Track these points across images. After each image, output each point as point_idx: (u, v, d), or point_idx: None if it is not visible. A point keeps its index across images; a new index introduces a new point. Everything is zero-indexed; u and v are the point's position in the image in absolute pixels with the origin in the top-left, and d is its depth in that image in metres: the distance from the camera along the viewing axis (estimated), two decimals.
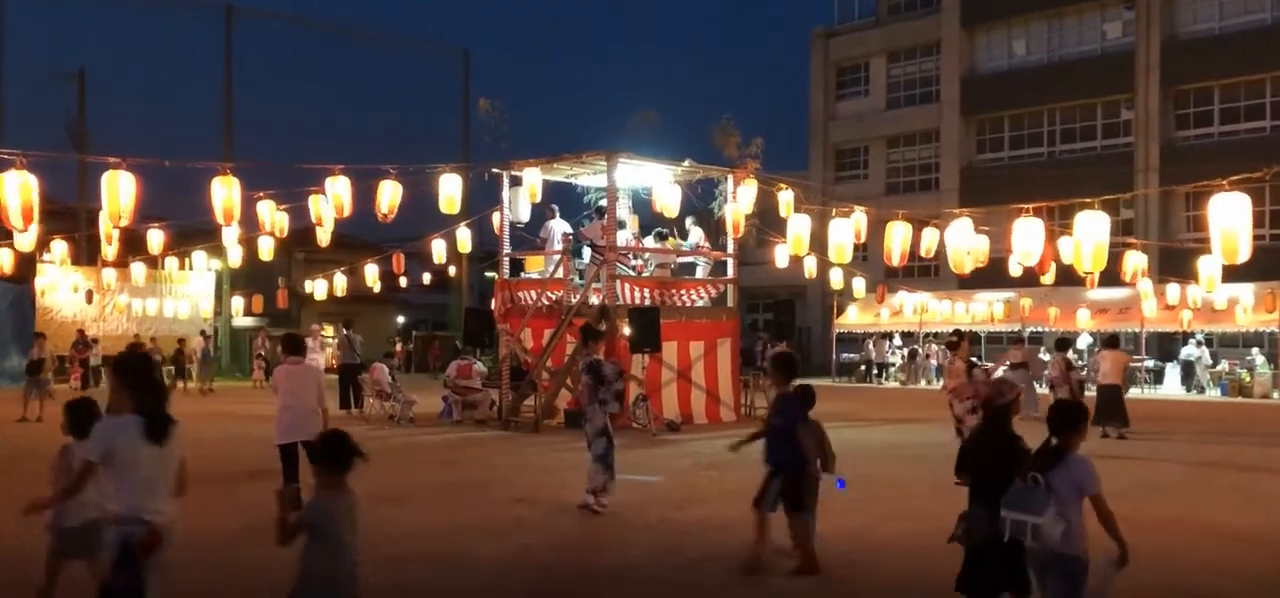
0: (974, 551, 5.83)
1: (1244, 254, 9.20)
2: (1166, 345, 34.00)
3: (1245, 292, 29.20)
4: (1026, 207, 12.52)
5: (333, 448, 4.99)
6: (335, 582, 4.85)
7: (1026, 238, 12.50)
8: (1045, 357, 27.07)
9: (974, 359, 13.75)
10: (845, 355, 38.75)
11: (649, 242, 21.34)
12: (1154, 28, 36.74)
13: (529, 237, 21.71)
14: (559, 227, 20.83)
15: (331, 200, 16.39)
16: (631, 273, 20.32)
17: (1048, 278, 21.14)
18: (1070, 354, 19.93)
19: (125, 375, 5.15)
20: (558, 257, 20.49)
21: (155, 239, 24.53)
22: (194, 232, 29.94)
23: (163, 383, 5.34)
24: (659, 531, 9.66)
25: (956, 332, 14.12)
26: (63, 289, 33.26)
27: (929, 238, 17.18)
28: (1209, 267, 18.17)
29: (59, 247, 27.72)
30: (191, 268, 33.72)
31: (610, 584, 7.79)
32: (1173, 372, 32.44)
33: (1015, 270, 18.03)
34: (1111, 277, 21.62)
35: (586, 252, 20.08)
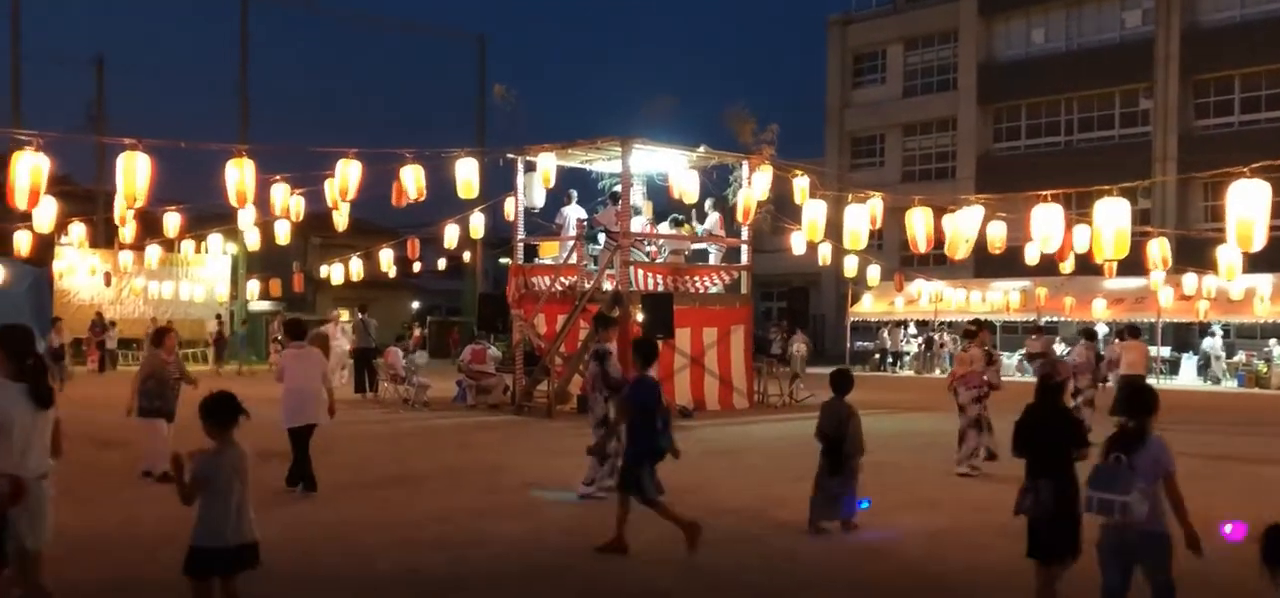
0: (1038, 519, 6.20)
1: (1259, 242, 9.14)
2: (1182, 336, 33.80)
3: (1264, 282, 29.01)
4: (1044, 194, 12.43)
5: (218, 407, 5.46)
6: (225, 526, 5.36)
7: (1046, 224, 12.42)
8: (1060, 348, 26.98)
9: (990, 349, 13.70)
10: (859, 343, 38.65)
11: (663, 228, 21.31)
12: (1174, 16, 36.44)
13: (543, 223, 21.72)
14: (574, 212, 20.83)
15: (340, 184, 16.41)
16: (645, 259, 20.31)
17: (1067, 267, 21.02)
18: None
19: (6, 346, 5.43)
20: (572, 242, 20.49)
21: (172, 222, 24.65)
22: (210, 215, 30.05)
23: (40, 355, 5.67)
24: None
25: (975, 321, 14.15)
26: (81, 272, 33.45)
27: (950, 226, 17.10)
28: (1228, 256, 18.01)
29: (77, 229, 27.87)
30: (208, 251, 33.85)
31: (621, 568, 7.80)
32: (1189, 362, 32.27)
33: (1032, 259, 17.96)
34: (1128, 266, 21.46)
35: (601, 237, 20.08)
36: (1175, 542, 5.62)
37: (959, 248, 15.23)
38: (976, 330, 13.29)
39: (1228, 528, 6.80)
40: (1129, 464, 5.54)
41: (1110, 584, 5.75)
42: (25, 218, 19.09)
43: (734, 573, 7.75)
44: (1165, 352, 32.21)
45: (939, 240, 16.47)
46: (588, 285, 19.59)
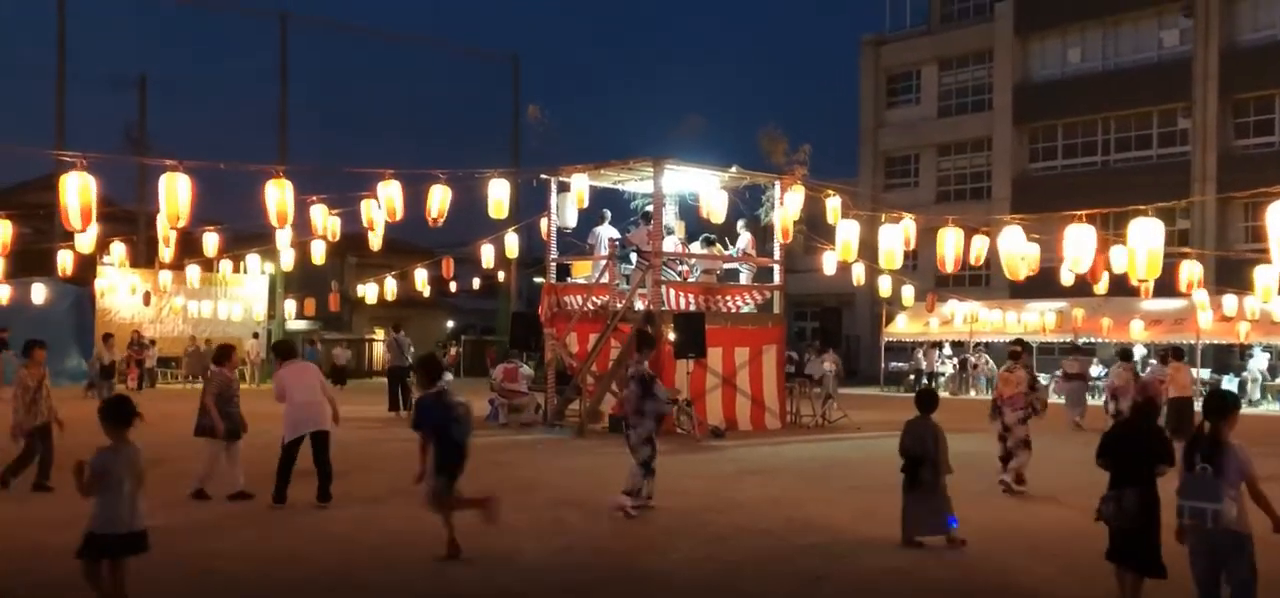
0: (1121, 525, 6.70)
1: None
2: (1223, 358, 33.32)
3: None
4: (1078, 213, 12.35)
5: (115, 410, 6.27)
6: (117, 518, 6.04)
7: (1077, 245, 12.34)
8: (1096, 369, 26.70)
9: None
10: (893, 364, 38.41)
11: (695, 247, 21.35)
12: (1212, 35, 36.06)
13: (577, 242, 21.82)
14: (607, 232, 20.92)
15: (384, 204, 16.60)
16: (677, 278, 20.35)
17: (1100, 287, 20.85)
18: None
19: None
20: (604, 262, 20.57)
21: (210, 242, 24.98)
22: (248, 235, 30.47)
23: None
24: (699, 535, 9.67)
25: (1019, 342, 14.16)
26: (121, 291, 33.95)
27: (979, 246, 17.03)
28: (1266, 277, 17.80)
29: (118, 249, 28.32)
30: (246, 271, 34.26)
31: (650, 586, 7.82)
32: (1229, 385, 31.79)
33: (1067, 280, 17.85)
34: (1166, 287, 21.28)
35: (633, 257, 20.15)
36: (1257, 540, 6.01)
37: (1017, 269, 15.01)
38: (1021, 352, 13.32)
39: None
40: (1214, 472, 5.90)
41: (1205, 583, 6.11)
42: (67, 238, 19.45)
43: (760, 595, 7.74)
44: (1205, 373, 31.74)
45: (970, 261, 16.39)
46: (619, 305, 19.66)
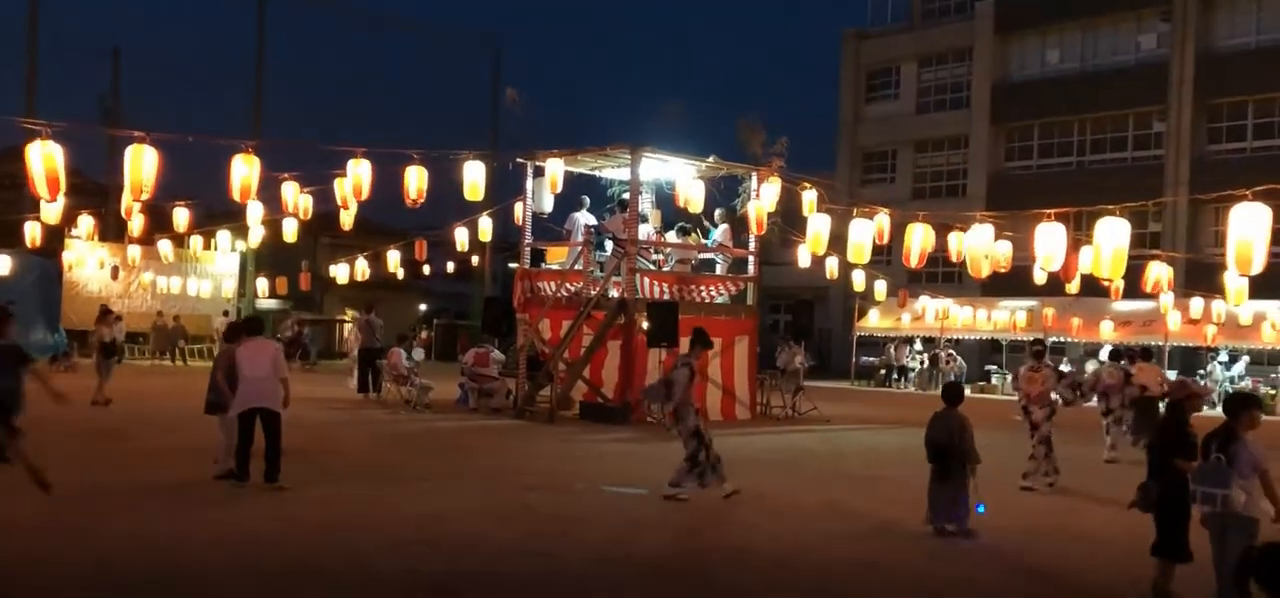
0: (1149, 513, 7.29)
1: (1258, 266, 9.13)
2: (1190, 360, 33.64)
3: (1273, 308, 28.87)
4: (1048, 212, 12.39)
5: None
6: None
7: (1049, 243, 12.38)
8: (1066, 367, 26.86)
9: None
10: (865, 358, 38.55)
11: (671, 236, 21.30)
12: (1189, 40, 36.31)
13: (552, 227, 21.71)
14: (584, 219, 20.84)
15: (353, 183, 16.43)
16: (652, 267, 20.30)
17: (1073, 287, 20.96)
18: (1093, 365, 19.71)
19: None
20: (579, 248, 20.49)
21: (181, 217, 24.70)
22: (222, 212, 30.13)
23: None
24: (667, 523, 9.66)
25: (1038, 341, 14.52)
26: (89, 264, 33.56)
27: (955, 242, 17.08)
28: (1235, 280, 17.94)
29: (86, 222, 27.96)
30: (216, 248, 33.93)
31: (617, 573, 7.78)
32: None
33: (1039, 279, 17.89)
34: (1137, 288, 21.42)
35: (608, 244, 20.08)
36: (1262, 523, 6.49)
37: (981, 266, 15.14)
38: (1043, 351, 13.61)
39: None
40: (1227, 462, 6.48)
41: (1219, 564, 6.58)
42: (35, 208, 19.16)
43: (724, 582, 7.71)
44: (1171, 375, 32.01)
45: (945, 257, 16.46)
46: (593, 292, 19.59)
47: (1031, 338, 31.27)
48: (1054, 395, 13.09)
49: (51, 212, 18.34)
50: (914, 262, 16.03)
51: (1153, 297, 23.39)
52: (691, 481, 10.70)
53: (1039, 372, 13.03)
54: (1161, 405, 14.26)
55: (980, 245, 14.43)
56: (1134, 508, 7.40)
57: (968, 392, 33.20)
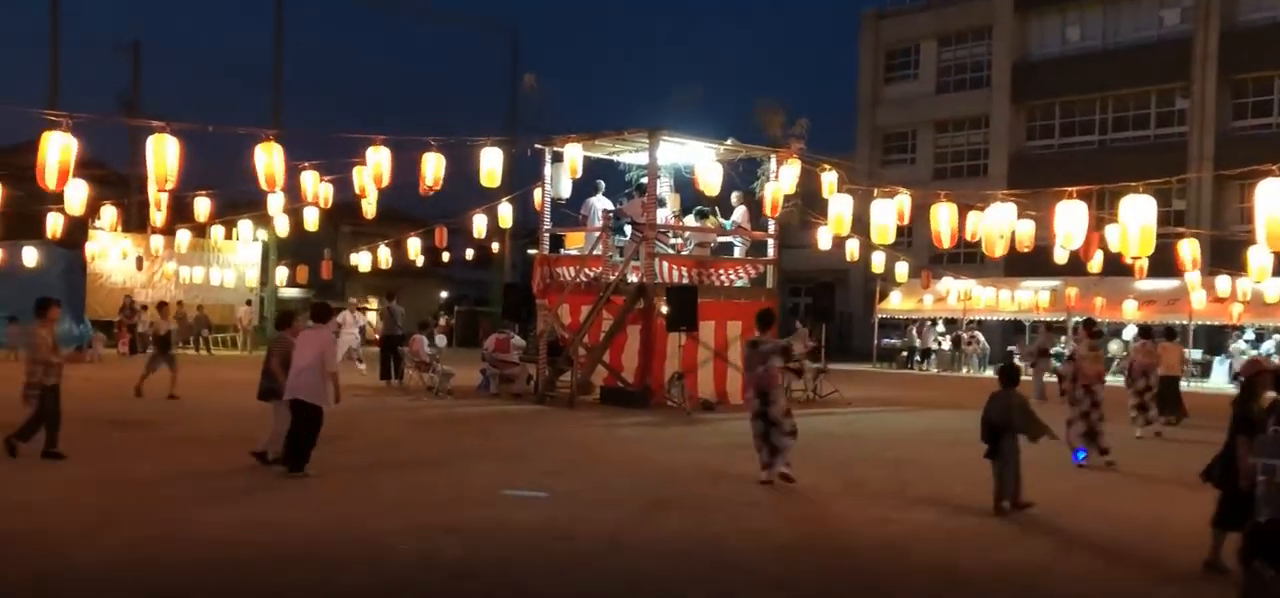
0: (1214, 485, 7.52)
1: None
2: (1215, 339, 33.37)
3: None
4: (1069, 190, 12.29)
5: None
6: None
7: (1069, 221, 12.28)
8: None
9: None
10: (887, 340, 38.41)
11: (689, 220, 21.26)
12: (1213, 15, 35.92)
13: (570, 213, 21.72)
14: (600, 203, 20.82)
15: (372, 171, 16.48)
16: (671, 251, 20.28)
17: (1094, 266, 20.81)
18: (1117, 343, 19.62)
19: None
20: (597, 233, 20.49)
21: (202, 207, 24.85)
22: (242, 201, 30.31)
23: None
24: (688, 507, 9.65)
25: (1090, 320, 14.76)
26: (113, 255, 33.80)
27: (974, 222, 16.97)
28: (1259, 257, 17.75)
29: (108, 213, 28.17)
30: (238, 237, 34.11)
31: (637, 556, 7.79)
32: (1221, 366, 31.85)
33: (1061, 258, 17.78)
34: (1160, 267, 21.23)
35: (627, 229, 20.06)
36: None
37: (995, 246, 15.09)
38: (1101, 332, 13.85)
39: None
40: None
41: None
42: (58, 200, 19.31)
43: (745, 565, 7.71)
44: (1196, 355, 31.76)
45: (965, 238, 16.37)
46: (612, 277, 19.60)
47: (1053, 318, 31.19)
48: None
49: (75, 202, 18.54)
50: (946, 241, 15.94)
51: (1177, 275, 23.18)
52: (778, 462, 10.76)
53: (1097, 351, 13.56)
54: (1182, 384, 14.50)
55: (997, 224, 14.35)
56: (1207, 481, 7.60)
57: (990, 373, 33.23)
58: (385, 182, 16.42)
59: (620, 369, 19.44)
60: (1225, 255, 28.51)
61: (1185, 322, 30.79)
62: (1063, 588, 7.45)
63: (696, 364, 19.11)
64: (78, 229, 28.94)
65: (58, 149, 11.62)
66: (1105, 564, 8.11)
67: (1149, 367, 16.38)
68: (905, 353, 37.31)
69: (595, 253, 20.51)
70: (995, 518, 9.48)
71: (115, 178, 36.73)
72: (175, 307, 33.78)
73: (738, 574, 7.44)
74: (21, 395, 11.01)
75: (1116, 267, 20.68)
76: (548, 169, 21.13)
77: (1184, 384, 20.11)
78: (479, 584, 7.05)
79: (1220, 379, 31.48)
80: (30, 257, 29.57)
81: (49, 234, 25.53)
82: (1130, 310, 30.97)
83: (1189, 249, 19.41)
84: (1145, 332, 17.50)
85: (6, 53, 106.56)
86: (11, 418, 11.21)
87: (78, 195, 18.14)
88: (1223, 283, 27.79)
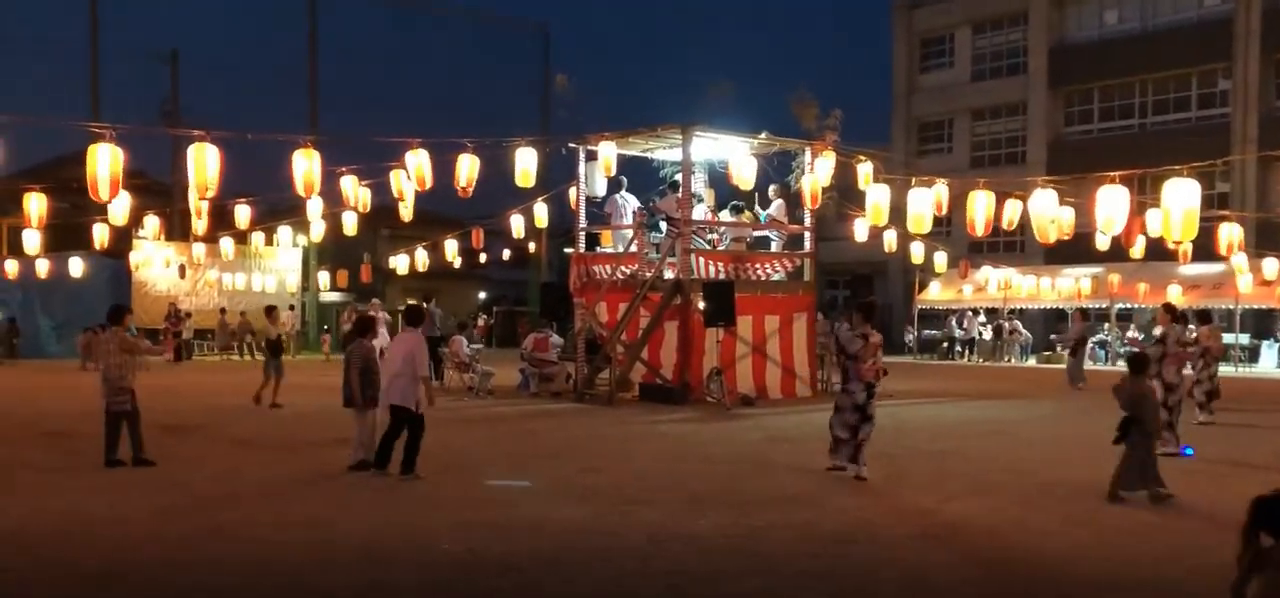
0: None
1: None
2: (1263, 322, 32.83)
3: None
4: (1110, 176, 12.15)
5: None
6: None
7: (1110, 207, 12.15)
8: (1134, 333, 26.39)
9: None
10: (927, 332, 38.16)
11: (724, 215, 21.23)
12: None
13: (602, 212, 21.77)
14: (627, 200, 20.86)
15: (414, 174, 16.60)
16: (707, 246, 20.27)
17: (1136, 251, 20.55)
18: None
19: None
20: (630, 230, 20.52)
21: (243, 214, 25.16)
22: (281, 208, 30.67)
23: None
24: (729, 501, 9.65)
25: (1171, 306, 14.52)
26: (156, 264, 34.31)
27: (1011, 210, 16.83)
28: None
29: (151, 222, 28.59)
30: (278, 243, 34.49)
31: (680, 551, 7.81)
32: (1270, 350, 31.35)
33: (1102, 245, 17.58)
34: (1204, 251, 20.93)
35: (662, 225, 20.07)
36: None
37: (1047, 232, 14.98)
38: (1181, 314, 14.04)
39: None
40: None
41: None
42: (102, 211, 19.63)
43: (786, 559, 7.70)
44: (1243, 339, 31.27)
45: (1002, 226, 16.24)
46: (649, 274, 19.61)
47: (1096, 305, 30.77)
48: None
49: (118, 212, 18.83)
50: (981, 230, 15.81)
51: (1223, 258, 22.82)
52: (854, 457, 10.76)
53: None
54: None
55: (1045, 211, 14.21)
56: None
57: (1032, 362, 33.03)
58: (427, 184, 16.51)
59: (659, 366, 19.46)
60: (1272, 237, 28.07)
61: (1232, 305, 30.33)
62: (1113, 576, 7.37)
63: (735, 359, 19.10)
64: (122, 239, 29.38)
65: (107, 161, 11.83)
66: (1158, 555, 8.02)
67: (1212, 352, 16.18)
68: (946, 344, 37.03)
69: (631, 250, 20.54)
70: (1041, 507, 9.40)
71: (157, 187, 37.24)
72: (218, 315, 34.29)
73: (781, 570, 7.44)
74: (106, 400, 11.15)
75: (1159, 252, 20.42)
76: (582, 167, 21.19)
77: (1233, 369, 19.82)
78: (523, 578, 7.10)
79: (1268, 363, 30.99)
80: (76, 267, 30.11)
81: (95, 245, 25.94)
82: (1174, 295, 30.54)
83: (1235, 232, 19.07)
84: (1205, 316, 17.21)
85: (46, 66, 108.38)
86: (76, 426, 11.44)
87: (122, 206, 18.42)
88: (1270, 266, 27.34)
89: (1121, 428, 9.66)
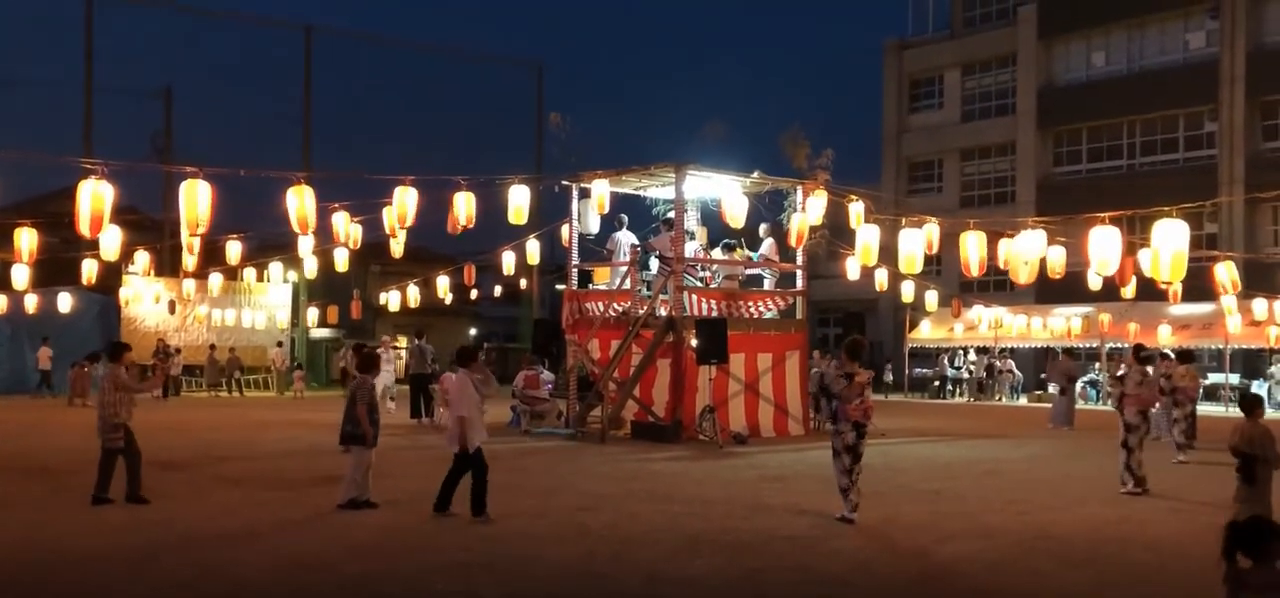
0: None
1: None
2: (1252, 363, 32.93)
3: None
4: (1102, 216, 12.21)
5: None
6: None
7: (1103, 247, 12.19)
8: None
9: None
10: (917, 370, 38.17)
11: (717, 253, 21.26)
12: (1239, 37, 35.70)
13: (598, 248, 21.80)
14: (625, 237, 20.88)
15: (397, 211, 16.58)
16: (699, 284, 20.27)
17: (1128, 291, 20.63)
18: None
19: None
20: (625, 268, 20.52)
21: (233, 250, 25.10)
22: (271, 244, 30.63)
23: None
24: (723, 542, 9.59)
25: (1139, 347, 14.44)
26: (146, 300, 34.18)
27: (1003, 249, 16.90)
28: None
29: (142, 257, 28.50)
30: (269, 279, 34.44)
31: (673, 593, 7.74)
32: (1258, 390, 31.38)
33: (1094, 284, 17.67)
34: (1195, 291, 21.04)
35: (654, 262, 20.09)
36: None
37: (1020, 272, 15.05)
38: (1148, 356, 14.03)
39: None
40: None
41: None
42: (92, 246, 19.56)
43: None
44: (1233, 379, 31.34)
45: (995, 265, 16.30)
46: (641, 311, 19.60)
47: (1087, 345, 30.85)
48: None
49: (107, 248, 18.77)
50: (974, 270, 15.86)
51: (1212, 299, 22.93)
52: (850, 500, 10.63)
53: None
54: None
55: (1024, 252, 14.28)
56: None
57: (1023, 401, 33.03)
58: (409, 221, 16.49)
59: (651, 403, 19.41)
60: (1259, 278, 28.20)
61: (1221, 345, 30.43)
62: None
63: (727, 397, 19.05)
64: (112, 274, 29.28)
65: (92, 197, 11.79)
66: (1149, 593, 7.98)
67: (1187, 392, 16.23)
68: (937, 382, 37.04)
69: (623, 287, 20.53)
70: (1037, 547, 9.36)
71: (148, 223, 37.17)
72: (207, 351, 34.13)
73: None
74: (101, 438, 11.08)
75: (1151, 291, 20.48)
76: (575, 205, 21.22)
77: (1222, 409, 19.87)
78: None
79: None
80: (65, 302, 29.97)
81: (84, 280, 25.84)
82: (1165, 336, 30.66)
83: (1226, 273, 19.16)
84: (1186, 356, 17.31)
85: (40, 98, 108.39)
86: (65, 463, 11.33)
87: (112, 241, 18.36)
88: (1259, 306, 27.45)
89: (1241, 471, 8.97)
